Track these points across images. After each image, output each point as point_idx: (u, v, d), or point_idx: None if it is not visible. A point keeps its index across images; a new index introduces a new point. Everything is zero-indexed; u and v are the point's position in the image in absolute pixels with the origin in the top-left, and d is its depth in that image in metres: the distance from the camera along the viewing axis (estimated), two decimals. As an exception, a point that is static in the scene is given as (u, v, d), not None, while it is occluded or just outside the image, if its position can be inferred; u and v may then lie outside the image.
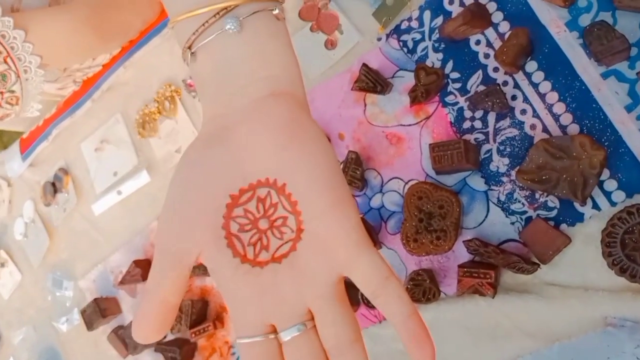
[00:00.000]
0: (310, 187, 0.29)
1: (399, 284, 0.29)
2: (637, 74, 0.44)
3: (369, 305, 0.52)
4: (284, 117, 0.30)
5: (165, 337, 0.66)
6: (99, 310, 0.68)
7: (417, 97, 0.50)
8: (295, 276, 0.29)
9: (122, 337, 0.67)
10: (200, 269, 0.62)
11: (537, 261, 0.46)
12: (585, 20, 0.46)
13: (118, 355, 0.69)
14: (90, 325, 0.69)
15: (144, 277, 0.67)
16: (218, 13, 0.30)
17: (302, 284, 0.29)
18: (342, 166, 0.55)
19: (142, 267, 0.67)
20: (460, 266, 0.48)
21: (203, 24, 0.30)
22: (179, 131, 0.67)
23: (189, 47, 0.31)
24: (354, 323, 0.29)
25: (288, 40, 0.32)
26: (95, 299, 0.69)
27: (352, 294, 0.53)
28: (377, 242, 0.53)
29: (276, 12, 0.32)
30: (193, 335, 0.61)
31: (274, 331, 0.29)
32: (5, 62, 0.53)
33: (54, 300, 0.78)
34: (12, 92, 0.55)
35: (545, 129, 0.47)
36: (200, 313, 0.62)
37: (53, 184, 0.78)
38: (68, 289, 0.75)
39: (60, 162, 0.78)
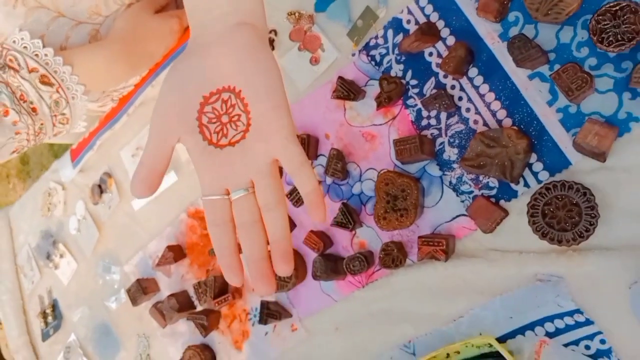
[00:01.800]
0: (258, 94, 0.41)
1: (310, 169, 0.41)
2: (550, 75, 0.53)
3: (353, 273, 0.64)
4: (245, 41, 0.42)
5: (195, 307, 0.80)
6: (141, 288, 0.83)
7: (382, 102, 0.62)
8: (244, 156, 0.41)
9: (161, 310, 0.80)
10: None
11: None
12: (513, 32, 0.56)
13: (158, 326, 0.84)
14: (134, 301, 0.84)
15: (176, 259, 0.81)
16: None
17: (248, 161, 0.41)
18: (325, 160, 0.66)
19: (174, 251, 0.81)
20: (419, 237, 0.59)
21: None
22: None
23: None
24: (280, 191, 0.42)
25: None
26: (138, 280, 0.84)
27: (339, 267, 0.65)
28: (357, 222, 0.65)
29: None
30: (216, 304, 0.74)
31: (228, 193, 0.42)
32: (58, 91, 0.67)
33: (104, 283, 0.93)
34: (64, 114, 0.70)
35: (485, 123, 0.58)
36: (222, 287, 0.76)
37: (99, 186, 0.93)
38: (115, 273, 0.90)
39: (104, 167, 0.93)
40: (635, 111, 0.51)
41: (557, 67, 0.54)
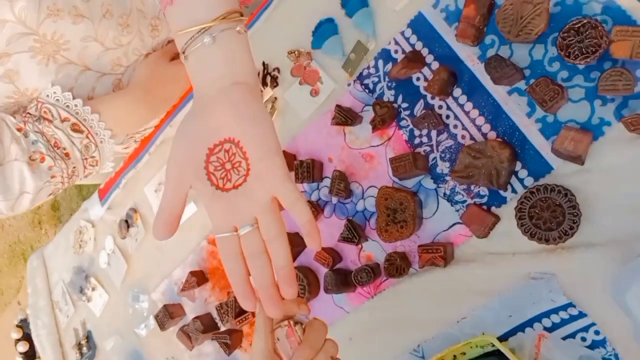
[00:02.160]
0: (254, 142, 0.47)
1: (304, 203, 0.47)
2: (525, 90, 0.59)
3: (361, 285, 0.68)
4: (240, 98, 0.48)
5: (218, 328, 0.85)
6: (168, 313, 0.88)
7: (376, 124, 0.68)
8: (247, 197, 0.48)
9: (187, 333, 0.85)
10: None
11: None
12: (491, 53, 0.62)
13: (185, 349, 0.88)
14: (162, 326, 0.89)
15: (199, 284, 0.87)
16: (200, 31, 0.47)
17: (251, 201, 0.48)
18: (329, 182, 0.72)
19: (196, 277, 0.86)
20: (419, 246, 0.64)
21: (191, 38, 0.48)
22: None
23: (184, 52, 0.49)
24: (280, 224, 0.48)
25: (247, 47, 0.49)
26: (165, 305, 0.89)
27: (349, 280, 0.69)
28: (363, 237, 0.70)
29: (238, 29, 0.49)
30: (238, 323, 0.79)
31: (236, 230, 0.48)
32: (87, 137, 0.75)
33: (134, 312, 0.98)
34: (93, 157, 0.77)
35: (472, 137, 0.63)
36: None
37: (126, 221, 1.00)
38: (144, 301, 0.96)
39: (130, 203, 1.00)
40: (607, 116, 0.55)
41: (531, 81, 0.59)
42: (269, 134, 0.48)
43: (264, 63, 0.81)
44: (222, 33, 0.48)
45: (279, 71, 0.79)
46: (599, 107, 0.56)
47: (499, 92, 0.61)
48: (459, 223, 0.63)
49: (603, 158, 0.55)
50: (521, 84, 0.60)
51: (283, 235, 0.47)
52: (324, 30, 0.74)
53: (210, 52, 0.48)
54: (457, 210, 0.64)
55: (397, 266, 0.65)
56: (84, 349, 1.05)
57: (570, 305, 0.56)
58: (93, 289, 1.05)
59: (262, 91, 0.80)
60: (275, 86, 0.79)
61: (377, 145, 0.70)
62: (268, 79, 0.80)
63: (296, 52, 0.77)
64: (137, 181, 0.99)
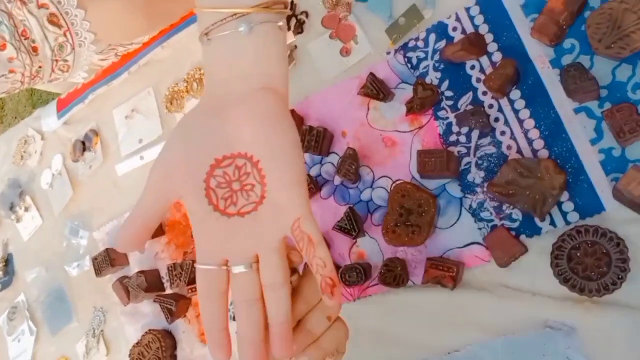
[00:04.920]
0: (278, 167, 0.37)
1: (326, 249, 0.36)
2: (602, 112, 0.50)
3: (347, 284, 0.59)
4: (269, 108, 0.38)
5: (164, 290, 0.74)
6: (109, 259, 0.76)
7: (413, 107, 0.57)
8: (253, 229, 0.37)
9: (126, 286, 0.74)
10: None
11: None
12: (567, 60, 0.53)
13: (119, 302, 0.77)
14: (99, 271, 0.77)
15: (153, 235, 0.75)
16: (235, 14, 0.38)
17: (257, 235, 0.37)
18: (339, 159, 0.61)
19: (152, 226, 0.74)
20: (429, 258, 0.54)
21: (222, 20, 0.38)
22: (202, 110, 0.75)
23: (206, 34, 0.39)
24: (286, 271, 0.38)
25: (284, 47, 0.40)
26: (107, 249, 0.77)
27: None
28: (361, 231, 0.60)
29: (280, 24, 0.39)
30: (189, 291, 0.69)
31: (225, 264, 0.38)
32: (65, 35, 0.61)
33: (69, 247, 0.85)
34: (66, 61, 0.63)
35: (519, 151, 0.54)
36: (198, 273, 0.70)
37: (83, 143, 0.86)
38: (83, 238, 0.83)
39: (92, 123, 0.86)
40: (684, 167, 0.47)
41: (607, 104, 0.51)
42: (298, 159, 0.38)
43: (292, 2, 0.68)
44: (261, 25, 0.38)
45: (307, 16, 0.67)
46: (678, 153, 0.48)
47: (565, 106, 0.52)
48: (478, 244, 0.54)
49: (667, 213, 0.47)
50: (593, 104, 0.51)
51: (288, 285, 0.37)
52: (375, -18, 0.62)
53: (242, 44, 0.38)
54: (480, 229, 0.55)
55: (397, 275, 0.56)
56: (0, 273, 0.92)
57: (587, 367, 0.48)
58: (26, 209, 0.91)
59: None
60: (299, 32, 0.67)
61: (404, 132, 0.60)
62: (293, 21, 0.68)
63: None
64: (106, 100, 0.85)
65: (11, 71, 0.61)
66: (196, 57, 0.77)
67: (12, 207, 0.94)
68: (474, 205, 0.55)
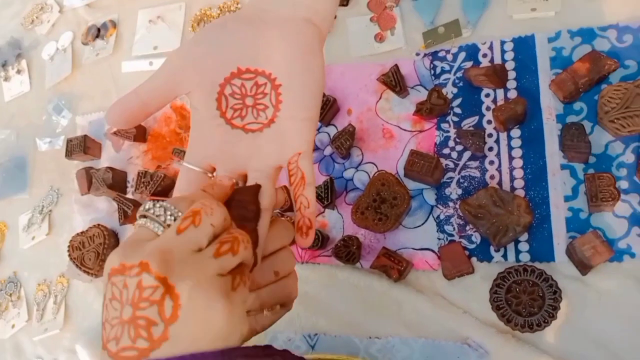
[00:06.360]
0: (297, 98, 0.38)
1: (314, 192, 0.38)
2: (584, 175, 0.53)
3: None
4: (307, 40, 0.38)
5: (127, 193, 0.74)
6: (84, 146, 0.76)
7: (422, 110, 0.60)
8: (252, 148, 0.38)
9: (91, 177, 0.74)
10: (184, 154, 0.70)
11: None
12: (572, 119, 0.56)
13: (77, 190, 0.77)
14: (69, 154, 0.77)
15: (135, 139, 0.75)
16: None
17: (253, 155, 0.38)
18: (336, 132, 0.64)
19: (138, 131, 0.75)
20: (384, 247, 0.57)
21: None
22: (225, 42, 0.76)
23: None
24: (272, 200, 0.37)
25: None
26: (85, 135, 0.77)
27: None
28: (332, 204, 0.62)
29: None
30: (150, 200, 0.69)
31: (212, 171, 0.38)
32: None
33: (47, 122, 0.85)
34: None
35: (499, 183, 0.57)
36: (166, 188, 0.71)
37: (98, 29, 0.85)
38: (65, 118, 0.83)
39: (114, 15, 0.85)
40: (635, 247, 0.51)
41: (591, 170, 0.54)
42: (318, 97, 0.38)
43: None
44: None
45: (357, -7, 0.69)
46: (634, 235, 0.52)
47: (554, 159, 0.56)
48: (433, 251, 0.57)
49: (605, 281, 0.51)
50: (579, 166, 0.55)
51: (269, 213, 0.37)
52: (431, -14, 0.65)
53: None
54: (439, 239, 0.58)
55: (350, 252, 0.58)
56: (-31, 122, 0.90)
57: (486, 391, 0.52)
58: (18, 72, 0.90)
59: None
60: (343, 5, 0.69)
61: (405, 130, 0.62)
62: (341, -8, 0.70)
63: (387, -12, 0.67)
64: (136, -1, 0.85)
65: None
66: (238, -9, 0.78)
67: (4, 65, 0.92)
68: (442, 217, 0.58)
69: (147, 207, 0.33)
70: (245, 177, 0.38)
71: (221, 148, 0.38)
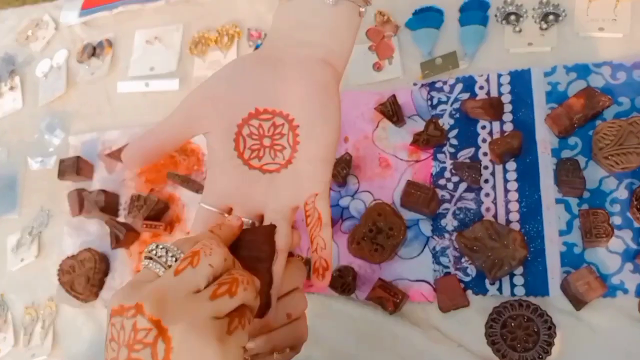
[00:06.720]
0: (314, 140, 0.38)
1: (330, 232, 0.38)
2: (579, 210, 0.54)
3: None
4: (325, 81, 0.39)
5: (118, 216, 0.74)
6: (77, 167, 0.75)
7: (419, 140, 0.60)
8: (269, 189, 0.38)
9: (83, 199, 0.73)
10: (179, 178, 0.69)
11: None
12: (566, 154, 0.57)
13: (68, 212, 0.76)
14: (62, 174, 0.76)
15: (129, 161, 0.74)
16: None
17: (271, 196, 0.38)
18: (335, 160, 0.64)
19: (131, 152, 0.74)
20: (380, 279, 0.57)
21: None
22: (222, 64, 0.76)
23: None
24: (288, 241, 0.37)
25: (356, 32, 0.41)
26: (78, 157, 0.76)
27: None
28: (327, 231, 0.62)
29: (361, 9, 0.40)
30: (144, 226, 0.69)
31: (229, 211, 0.38)
32: None
33: (39, 140, 0.83)
34: None
35: (495, 215, 0.58)
36: (159, 212, 0.70)
37: (94, 48, 0.85)
38: (58, 137, 0.82)
39: (111, 34, 0.85)
40: (628, 283, 0.52)
41: (585, 205, 0.55)
42: (335, 139, 0.39)
43: None
44: (346, 2, 0.39)
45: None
46: (627, 271, 0.52)
47: (549, 193, 0.56)
48: (428, 283, 0.57)
49: (599, 317, 0.52)
50: (574, 201, 0.56)
51: (284, 254, 0.37)
52: (428, 17, 0.66)
53: (323, 12, 0.39)
54: (435, 271, 0.58)
55: (346, 282, 0.58)
56: (-42, 139, 0.89)
57: None
58: (11, 89, 0.89)
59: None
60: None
61: (401, 159, 0.63)
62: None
63: (385, 17, 0.68)
64: (134, 19, 0.84)
65: None
66: (236, 15, 0.78)
67: (-3, 81, 0.91)
68: (438, 248, 0.58)
69: (150, 248, 0.33)
70: (261, 218, 0.38)
71: (238, 188, 0.38)
